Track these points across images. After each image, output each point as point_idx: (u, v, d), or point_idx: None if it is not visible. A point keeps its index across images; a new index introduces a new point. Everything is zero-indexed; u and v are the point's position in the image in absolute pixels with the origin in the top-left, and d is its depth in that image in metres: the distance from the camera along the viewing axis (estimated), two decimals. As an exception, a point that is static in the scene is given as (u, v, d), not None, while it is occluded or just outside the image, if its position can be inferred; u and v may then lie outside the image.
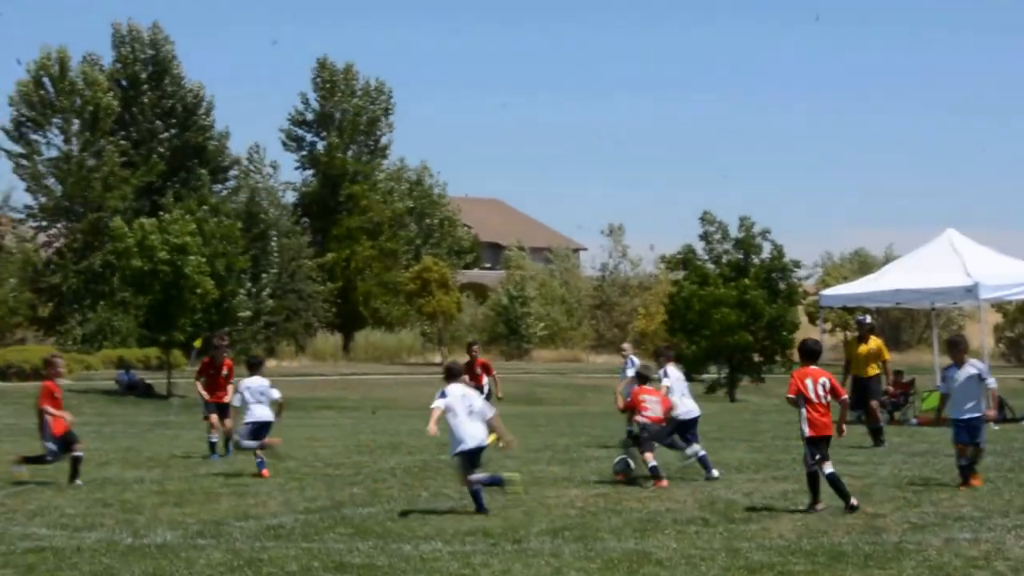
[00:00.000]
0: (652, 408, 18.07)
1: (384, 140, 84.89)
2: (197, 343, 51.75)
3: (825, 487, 14.85)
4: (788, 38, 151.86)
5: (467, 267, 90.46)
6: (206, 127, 73.80)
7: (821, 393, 15.04)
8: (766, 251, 52.13)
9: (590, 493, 16.71)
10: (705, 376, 48.65)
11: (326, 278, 75.22)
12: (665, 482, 17.37)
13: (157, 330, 48.58)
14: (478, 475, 15.21)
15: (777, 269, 51.54)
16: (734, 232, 52.59)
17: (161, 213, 55.19)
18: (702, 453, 18.36)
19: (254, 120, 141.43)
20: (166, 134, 71.62)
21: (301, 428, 31.51)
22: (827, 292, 35.81)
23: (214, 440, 23.21)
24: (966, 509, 14.88)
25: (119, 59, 72.50)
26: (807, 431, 14.95)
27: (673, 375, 19.04)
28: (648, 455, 17.68)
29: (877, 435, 23.56)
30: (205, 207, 59.63)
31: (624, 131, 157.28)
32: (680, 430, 18.57)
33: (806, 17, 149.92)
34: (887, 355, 24.91)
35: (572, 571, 11.40)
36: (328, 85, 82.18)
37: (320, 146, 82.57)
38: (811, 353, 15.52)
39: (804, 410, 14.96)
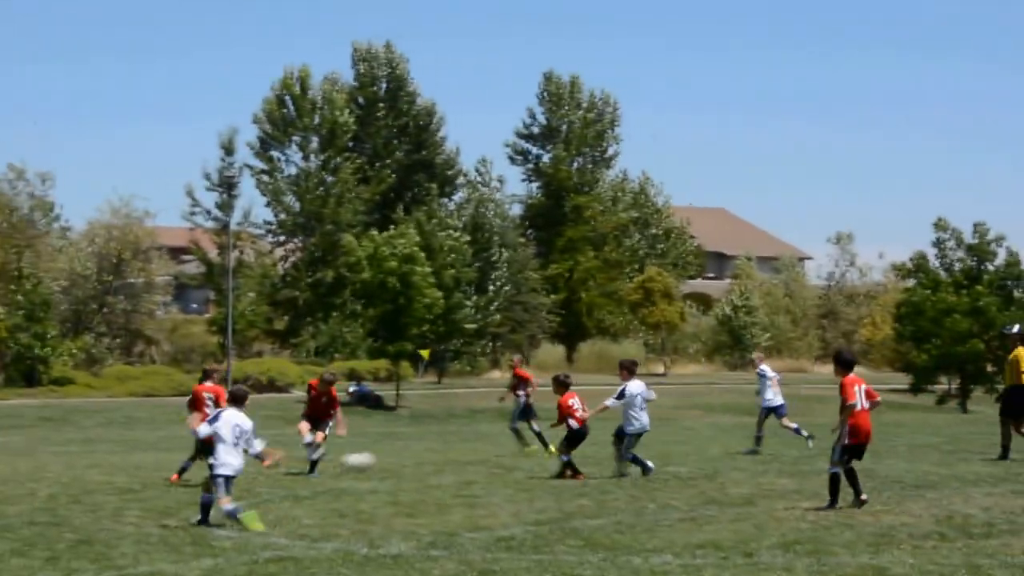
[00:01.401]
0: (580, 410, 20.70)
1: (611, 151, 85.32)
2: (425, 353, 52.84)
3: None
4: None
5: (691, 277, 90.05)
6: (437, 143, 75.18)
7: (864, 400, 16.16)
8: (1001, 258, 50.81)
9: (821, 506, 16.43)
10: (936, 386, 47.53)
11: (550, 289, 75.77)
12: (582, 476, 20.17)
13: (387, 341, 49.68)
14: (230, 506, 15.16)
15: (1013, 276, 50.10)
16: (968, 239, 51.34)
17: (392, 227, 56.43)
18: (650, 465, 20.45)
19: (483, 135, 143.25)
20: (400, 152, 73.17)
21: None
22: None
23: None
24: None
25: (357, 78, 74.41)
26: (849, 439, 15.97)
27: (632, 391, 20.45)
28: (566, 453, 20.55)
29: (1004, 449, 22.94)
30: (434, 220, 60.72)
31: (850, 137, 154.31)
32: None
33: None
34: None
35: (806, 586, 11.10)
36: (554, 98, 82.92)
37: (546, 158, 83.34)
38: (848, 363, 16.54)
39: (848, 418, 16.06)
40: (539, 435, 26.38)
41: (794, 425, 26.52)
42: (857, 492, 16.00)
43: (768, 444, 26.80)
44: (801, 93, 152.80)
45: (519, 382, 27.47)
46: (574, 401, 20.78)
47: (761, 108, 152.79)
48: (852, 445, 16.03)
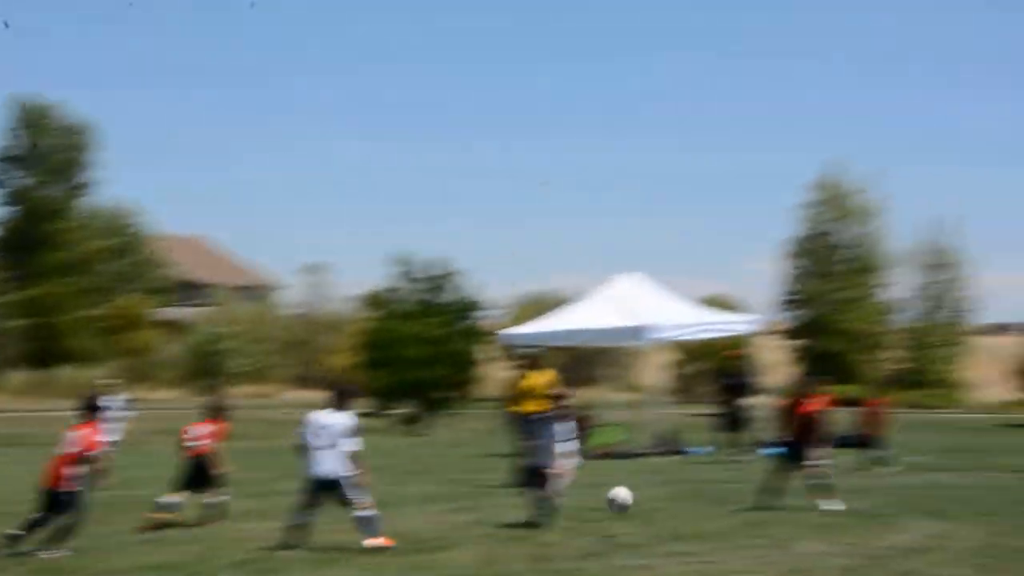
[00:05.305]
0: None
1: (86, 178, 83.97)
2: None
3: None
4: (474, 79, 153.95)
5: (167, 305, 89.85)
6: None
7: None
8: (457, 291, 53.79)
9: (273, 527, 17.11)
10: (395, 412, 49.75)
11: (25, 313, 74.00)
12: None
13: None
14: None
15: (466, 307, 53.24)
16: (428, 272, 54.09)
17: None
18: None
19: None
20: None
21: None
22: (507, 331, 37.37)
23: None
24: (629, 537, 16.03)
25: None
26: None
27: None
28: None
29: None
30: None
31: (328, 171, 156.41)
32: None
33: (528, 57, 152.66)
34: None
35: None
36: (30, 122, 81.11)
37: (21, 183, 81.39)
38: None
39: None
40: None
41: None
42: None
43: (236, 467, 27.54)
44: (272, 122, 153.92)
45: None
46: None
47: (236, 137, 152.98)
48: None
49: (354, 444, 15.32)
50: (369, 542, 15.04)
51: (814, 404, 19.72)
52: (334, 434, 15.27)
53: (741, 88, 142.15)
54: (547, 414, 17.81)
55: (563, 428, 17.33)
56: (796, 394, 20.10)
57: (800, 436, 19.48)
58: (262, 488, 22.91)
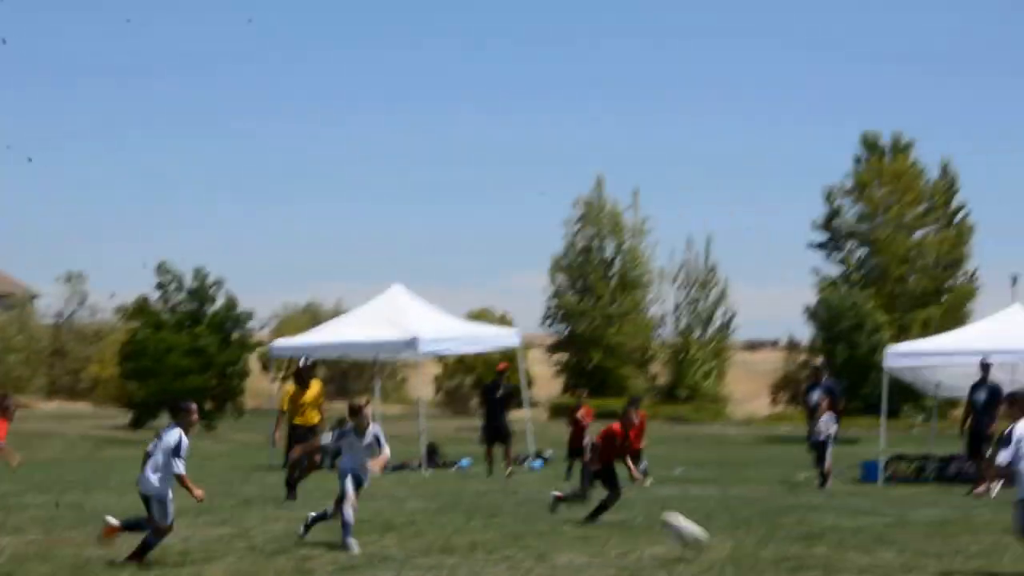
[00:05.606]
0: None
1: None
2: None
3: None
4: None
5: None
6: None
7: None
8: (221, 301, 53.07)
9: (22, 540, 16.69)
10: (158, 423, 48.75)
11: None
12: None
13: None
14: None
15: (230, 319, 52.57)
16: (190, 282, 53.27)
17: None
18: None
19: None
20: None
21: None
22: (278, 343, 36.97)
23: None
24: (392, 550, 15.96)
25: None
26: None
27: None
28: None
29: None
30: None
31: (78, 178, 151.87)
32: None
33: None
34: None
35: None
36: None
37: None
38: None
39: None
40: None
41: None
42: None
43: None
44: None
45: None
46: None
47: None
48: None
49: (176, 464, 14.77)
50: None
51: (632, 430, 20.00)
52: (163, 450, 14.85)
53: (512, 106, 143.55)
54: (346, 427, 17.19)
55: (358, 440, 16.93)
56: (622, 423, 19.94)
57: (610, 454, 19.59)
58: (6, 502, 22.09)
